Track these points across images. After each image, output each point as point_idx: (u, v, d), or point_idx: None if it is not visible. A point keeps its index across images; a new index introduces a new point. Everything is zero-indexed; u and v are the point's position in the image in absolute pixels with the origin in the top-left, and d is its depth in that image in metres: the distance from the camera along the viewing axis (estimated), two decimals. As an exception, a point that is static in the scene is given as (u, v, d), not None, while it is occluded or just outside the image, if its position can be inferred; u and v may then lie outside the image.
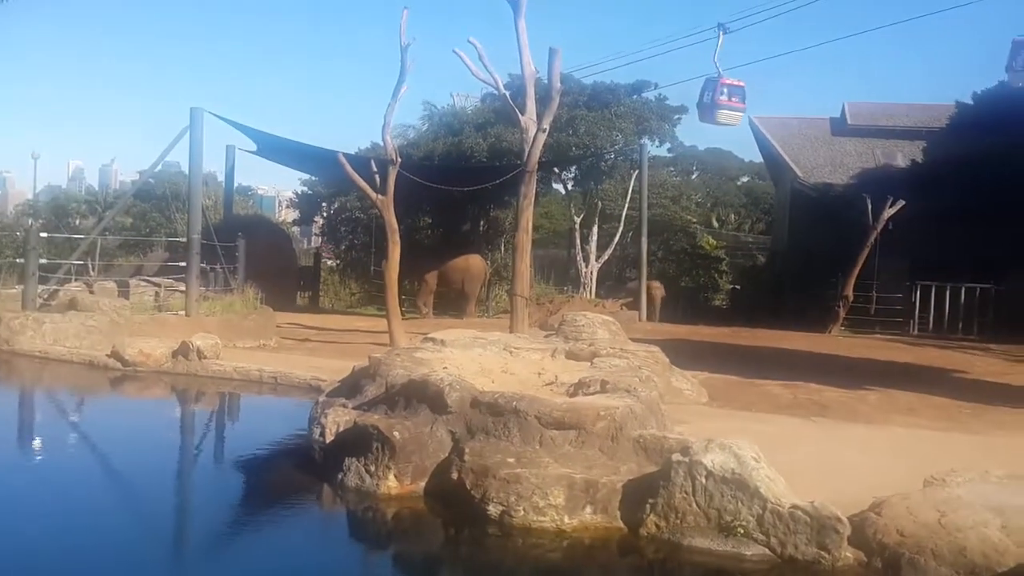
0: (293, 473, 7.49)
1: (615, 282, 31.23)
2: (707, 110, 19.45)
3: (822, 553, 5.18)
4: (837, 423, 9.01)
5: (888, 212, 22.11)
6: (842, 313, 22.74)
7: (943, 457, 6.86)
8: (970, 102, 25.69)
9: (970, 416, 9.82)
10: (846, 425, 8.91)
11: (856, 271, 22.66)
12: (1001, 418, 9.70)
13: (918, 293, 23.72)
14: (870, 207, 22.57)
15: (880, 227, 22.27)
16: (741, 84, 19.33)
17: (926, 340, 20.49)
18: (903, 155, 28.42)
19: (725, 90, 19.14)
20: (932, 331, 22.96)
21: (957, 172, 22.35)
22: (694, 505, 5.50)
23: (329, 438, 7.38)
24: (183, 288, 16.04)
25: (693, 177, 46.29)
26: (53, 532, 5.73)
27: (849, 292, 22.71)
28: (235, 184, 28.19)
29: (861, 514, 5.42)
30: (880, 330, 22.40)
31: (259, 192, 55.61)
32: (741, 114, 19.51)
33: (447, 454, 6.44)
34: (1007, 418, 9.70)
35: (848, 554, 5.20)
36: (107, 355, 12.34)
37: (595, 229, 30.31)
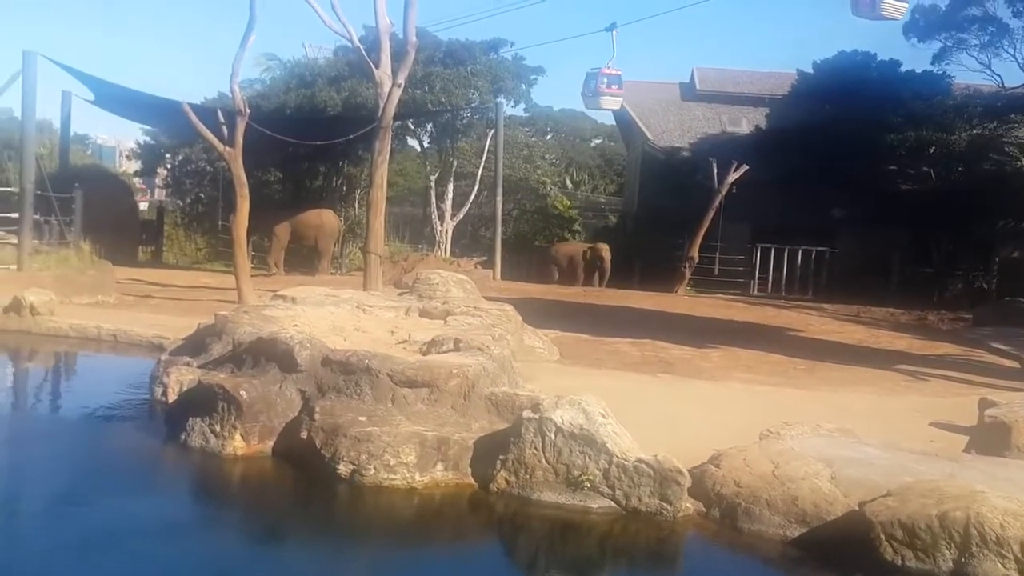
0: (133, 434, 7.19)
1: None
2: (591, 99, 22.36)
3: (664, 505, 5.36)
4: (681, 379, 9.32)
5: (732, 176, 22.89)
6: (688, 274, 23.46)
7: (778, 411, 7.20)
8: (811, 71, 26.78)
9: (803, 372, 10.33)
10: (690, 381, 9.23)
11: (701, 233, 23.38)
12: (831, 375, 10.25)
13: (758, 255, 24.78)
14: (715, 171, 23.31)
15: (724, 191, 23.05)
16: (618, 72, 21.91)
17: (765, 300, 21.47)
18: (747, 121, 29.40)
19: (605, 79, 21.62)
20: (771, 291, 24.08)
21: (796, 139, 23.34)
22: (543, 460, 5.59)
23: (172, 398, 7.17)
24: (15, 241, 15.14)
25: (548, 137, 46.53)
26: None
27: (695, 253, 23.43)
28: (72, 132, 26.71)
29: (701, 466, 5.64)
30: (723, 290, 23.26)
31: (98, 141, 52.72)
32: (620, 99, 22.58)
33: (297, 413, 6.33)
34: (837, 374, 10.26)
35: (689, 505, 5.40)
36: (-72, 311, 11.53)
37: (450, 187, 30.18)
